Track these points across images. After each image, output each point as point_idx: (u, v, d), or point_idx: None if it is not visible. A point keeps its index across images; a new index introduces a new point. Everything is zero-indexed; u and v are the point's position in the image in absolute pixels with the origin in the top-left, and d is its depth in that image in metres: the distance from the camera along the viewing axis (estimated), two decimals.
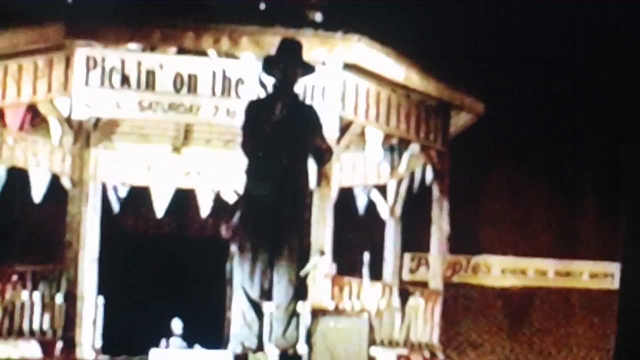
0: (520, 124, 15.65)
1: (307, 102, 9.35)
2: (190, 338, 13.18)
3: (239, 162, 8.28)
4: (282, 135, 7.71)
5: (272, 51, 8.23)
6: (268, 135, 7.70)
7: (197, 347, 12.21)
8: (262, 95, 8.11)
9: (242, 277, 7.87)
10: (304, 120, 7.87)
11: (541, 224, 16.01)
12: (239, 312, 7.89)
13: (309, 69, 8.08)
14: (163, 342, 12.99)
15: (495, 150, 15.63)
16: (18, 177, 12.21)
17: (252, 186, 7.87)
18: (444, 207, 11.72)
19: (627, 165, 11.82)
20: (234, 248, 8.01)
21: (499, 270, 16.05)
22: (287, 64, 7.85)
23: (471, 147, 14.05)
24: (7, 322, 10.24)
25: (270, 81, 7.94)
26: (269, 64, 7.95)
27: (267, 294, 7.95)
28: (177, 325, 13.36)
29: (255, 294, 7.84)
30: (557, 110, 15.77)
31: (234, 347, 7.87)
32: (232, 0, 10.93)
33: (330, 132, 10.36)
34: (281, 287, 7.87)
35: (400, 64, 10.92)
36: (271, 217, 7.77)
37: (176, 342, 13.17)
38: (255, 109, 7.95)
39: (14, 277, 10.33)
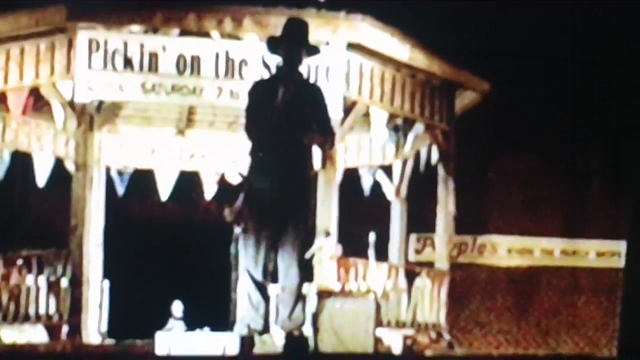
0: (527, 104, 15.58)
1: (311, 81, 9.29)
2: (195, 321, 13.16)
3: (243, 144, 8.24)
4: (286, 116, 7.65)
5: (276, 32, 8.16)
6: (272, 116, 7.64)
7: (206, 329, 12.20)
8: (266, 76, 8.05)
9: (246, 260, 7.84)
10: (309, 100, 7.80)
11: (547, 203, 15.97)
12: (244, 295, 7.87)
13: (314, 49, 8.01)
14: (170, 322, 12.99)
15: (501, 129, 15.57)
16: (21, 161, 12.19)
17: (255, 168, 7.82)
18: (449, 187, 11.69)
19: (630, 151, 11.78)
20: (237, 230, 7.98)
21: (505, 250, 16.02)
22: (292, 44, 7.77)
23: (477, 126, 13.99)
24: (12, 307, 10.24)
25: (274, 62, 7.87)
26: (274, 44, 7.88)
27: (272, 276, 7.93)
28: (177, 307, 13.35)
29: (259, 276, 7.82)
30: (565, 90, 15.70)
31: (240, 329, 7.85)
32: None
33: (334, 112, 10.34)
34: (286, 268, 7.85)
35: (404, 44, 10.86)
36: (275, 199, 7.73)
37: (177, 324, 13.17)
38: (259, 90, 7.89)
39: (19, 262, 10.34)
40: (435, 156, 11.76)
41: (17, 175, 12.37)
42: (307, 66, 10.03)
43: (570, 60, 15.24)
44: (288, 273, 7.82)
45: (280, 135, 7.63)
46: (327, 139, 7.85)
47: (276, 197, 7.70)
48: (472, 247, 15.91)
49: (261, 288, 7.82)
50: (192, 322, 13.21)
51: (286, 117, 7.62)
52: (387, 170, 12.53)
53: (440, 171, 11.74)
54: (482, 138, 15.04)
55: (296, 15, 9.09)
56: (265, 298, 7.86)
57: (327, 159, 10.33)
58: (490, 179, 15.83)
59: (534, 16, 14.09)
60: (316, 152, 7.94)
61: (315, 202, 10.00)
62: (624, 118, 14.24)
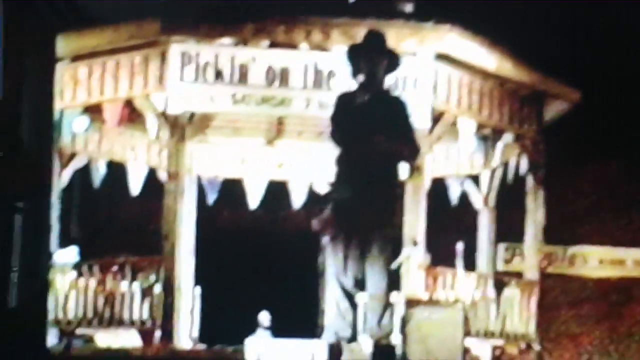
0: (618, 113, 15.36)
1: (395, 93, 9.33)
2: (283, 328, 13.29)
3: (331, 153, 8.33)
4: (370, 126, 7.72)
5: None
6: (356, 126, 7.72)
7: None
8: (353, 87, 8.14)
9: (335, 268, 7.93)
10: (392, 110, 7.86)
11: (638, 213, 15.69)
12: (332, 303, 7.95)
13: (395, 59, 8.04)
14: (258, 331, 13.13)
15: (592, 139, 15.37)
16: (117, 171, 12.49)
17: (341, 177, 7.90)
18: (538, 197, 11.59)
19: None
20: (325, 240, 8.07)
21: (596, 261, 15.80)
22: (371, 55, 7.84)
23: (568, 136, 13.85)
24: (108, 312, 10.49)
25: (357, 74, 7.94)
26: (353, 55, 7.96)
27: (360, 285, 7.98)
28: (264, 317, 13.49)
29: (349, 285, 7.90)
30: None
31: (328, 336, 7.93)
32: None
33: (423, 122, 10.36)
34: (374, 277, 7.91)
35: (492, 53, 10.82)
36: (362, 207, 7.79)
37: (264, 334, 13.30)
38: (343, 100, 7.99)
39: (114, 268, 10.58)
40: (524, 166, 11.68)
41: (112, 183, 12.68)
42: (396, 77, 10.15)
43: None
44: (376, 281, 7.88)
45: (363, 145, 7.70)
46: (405, 147, 7.86)
47: (362, 206, 7.76)
48: (562, 257, 15.73)
49: (349, 296, 7.90)
50: (280, 329, 13.34)
51: (366, 125, 7.69)
52: (476, 179, 12.48)
53: (529, 180, 11.65)
54: (571, 147, 14.87)
55: (383, 27, 9.18)
56: (353, 306, 7.92)
57: (414, 168, 10.35)
58: (581, 188, 15.64)
59: (621, 23, 13.89)
60: (403, 162, 7.98)
61: (403, 211, 10.02)
62: None
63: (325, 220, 7.94)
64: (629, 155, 15.50)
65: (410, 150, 7.96)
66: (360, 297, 7.98)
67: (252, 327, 12.79)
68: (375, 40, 7.97)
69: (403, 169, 8.28)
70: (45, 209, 9.48)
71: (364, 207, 7.76)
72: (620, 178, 15.65)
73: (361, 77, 7.89)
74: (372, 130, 7.73)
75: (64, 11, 9.18)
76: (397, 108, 7.94)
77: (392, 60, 8.02)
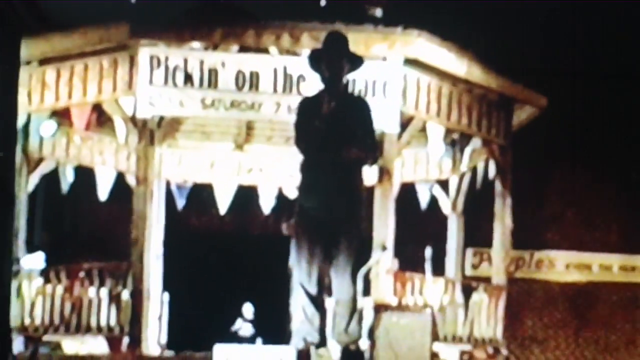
0: (584, 119, 15.48)
1: (358, 95, 9.33)
2: (253, 335, 13.30)
3: (300, 158, 8.31)
4: (333, 129, 7.68)
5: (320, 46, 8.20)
6: (319, 131, 7.67)
7: (258, 341, 12.31)
8: (314, 92, 8.12)
9: (299, 273, 7.89)
10: (353, 113, 7.81)
11: (605, 218, 15.83)
12: (299, 308, 7.93)
13: (356, 61, 7.99)
14: (238, 322, 13.11)
15: (559, 144, 15.49)
16: (84, 175, 12.42)
17: (305, 183, 7.88)
18: (506, 202, 11.65)
19: None
20: (292, 245, 8.04)
21: (563, 266, 15.91)
22: (332, 58, 7.79)
23: (535, 141, 13.94)
24: (75, 318, 10.40)
25: (319, 77, 7.92)
26: (314, 58, 7.92)
27: (327, 290, 7.97)
28: (248, 309, 13.47)
29: (313, 289, 7.86)
30: (623, 105, 15.58)
31: (297, 342, 7.91)
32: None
33: (391, 127, 10.40)
34: (340, 282, 7.88)
35: (461, 59, 10.87)
36: (327, 212, 7.77)
37: (245, 325, 13.30)
38: (306, 106, 7.95)
39: (82, 274, 10.50)
40: (492, 171, 11.74)
41: (80, 188, 12.60)
42: (365, 81, 10.17)
43: (626, 76, 15.13)
44: (343, 287, 7.86)
45: (327, 150, 7.67)
46: (367, 153, 7.82)
47: (326, 212, 7.74)
48: (530, 262, 15.82)
49: (315, 301, 7.87)
50: (255, 325, 13.31)
51: (331, 131, 7.65)
52: (444, 184, 12.53)
53: (497, 186, 11.71)
54: (539, 153, 14.97)
55: (353, 31, 9.19)
56: (321, 311, 7.90)
57: (383, 173, 10.37)
58: (548, 193, 15.74)
59: (589, 33, 14.00)
60: (365, 165, 7.96)
61: (371, 216, 10.03)
62: None
63: (293, 225, 7.92)
64: (594, 161, 15.63)
65: (373, 155, 7.93)
66: (328, 303, 7.98)
67: (221, 332, 12.77)
68: (335, 42, 7.90)
69: (370, 173, 8.27)
70: (9, 214, 9.36)
71: (328, 213, 7.73)
72: (586, 183, 15.77)
73: (323, 81, 7.85)
74: (335, 135, 7.68)
75: (27, 15, 9.07)
76: (360, 111, 7.87)
77: (353, 62, 7.94)
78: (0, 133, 8.86)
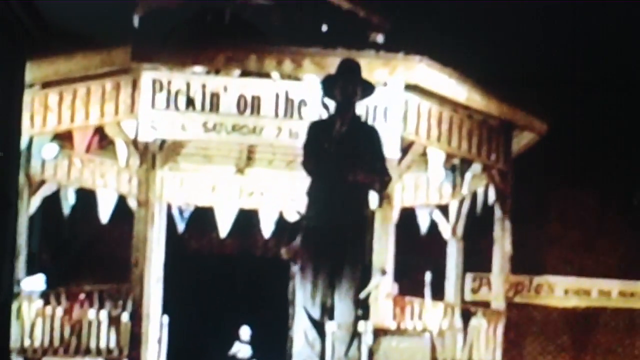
0: (584, 143, 15.54)
1: (369, 122, 9.39)
2: (255, 355, 13.29)
3: (302, 182, 8.37)
4: (342, 153, 7.75)
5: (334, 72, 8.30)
6: (329, 155, 7.74)
7: None
8: (324, 116, 8.18)
9: (303, 297, 7.91)
10: (363, 139, 7.90)
11: (604, 244, 15.85)
12: (300, 332, 7.95)
13: (369, 88, 8.10)
14: (236, 345, 13.10)
15: (558, 170, 15.54)
16: (86, 198, 12.45)
17: (312, 206, 7.92)
18: (506, 227, 11.68)
19: None
20: (295, 269, 8.07)
21: (562, 291, 15.92)
22: (346, 84, 7.89)
23: (534, 166, 13.99)
24: (74, 341, 10.41)
25: (331, 102, 8.01)
26: (328, 85, 8.01)
27: (329, 314, 7.99)
28: (245, 332, 13.47)
29: (316, 314, 7.89)
30: (622, 130, 15.64)
31: None
32: (295, 23, 11.03)
33: (392, 152, 10.44)
34: (343, 306, 7.91)
35: (461, 84, 10.93)
36: (332, 237, 7.81)
37: (243, 347, 13.30)
38: (316, 129, 8.01)
39: (82, 296, 10.51)
40: (492, 196, 11.78)
41: (81, 211, 12.63)
42: (366, 106, 10.22)
43: (628, 100, 15.20)
44: (344, 311, 7.88)
45: (335, 173, 7.72)
46: (375, 178, 7.88)
47: (332, 236, 7.78)
48: (529, 287, 15.83)
49: (317, 325, 7.89)
50: (253, 346, 13.29)
51: (340, 155, 7.72)
52: (444, 209, 12.57)
53: (497, 211, 11.75)
54: (538, 178, 15.02)
55: (355, 57, 9.26)
56: (322, 335, 7.92)
57: (384, 197, 10.39)
58: (547, 219, 15.77)
59: (593, 56, 14.09)
60: (372, 191, 8.01)
61: (371, 240, 10.07)
62: None
63: (295, 249, 7.95)
64: (594, 187, 15.67)
65: (382, 180, 7.99)
66: (329, 327, 7.99)
67: (220, 354, 12.79)
68: (349, 69, 8.02)
69: (373, 199, 8.32)
70: (10, 235, 9.39)
71: (334, 237, 7.77)
72: (585, 209, 15.80)
73: (335, 106, 7.93)
74: (345, 160, 7.75)
75: (30, 24, 9.10)
76: (370, 137, 7.97)
77: (365, 89, 8.06)
78: (1, 134, 8.89)
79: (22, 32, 9.04)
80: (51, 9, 9.51)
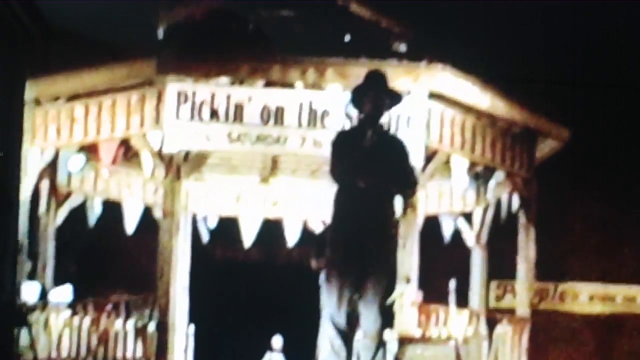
0: (608, 149, 15.50)
1: (393, 132, 9.42)
2: None
3: (326, 191, 8.41)
4: (369, 164, 7.80)
5: (357, 82, 8.34)
6: (356, 164, 7.79)
7: None
8: (348, 126, 8.23)
9: (329, 306, 7.95)
10: (391, 149, 7.95)
11: (629, 249, 15.79)
12: (326, 341, 7.98)
13: (397, 98, 8.15)
14: (267, 355, 13.16)
15: (583, 176, 15.49)
16: (112, 209, 12.55)
17: (338, 215, 7.96)
18: (530, 234, 11.68)
19: None
20: (321, 278, 8.10)
21: (587, 297, 15.86)
22: (375, 94, 7.95)
23: (559, 173, 13.96)
24: (101, 351, 10.49)
25: (356, 113, 8.05)
26: (358, 95, 8.06)
27: (354, 323, 8.02)
28: (277, 341, 13.51)
29: (342, 322, 7.91)
30: None
31: None
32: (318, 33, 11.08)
33: (416, 160, 10.47)
34: (368, 315, 7.93)
35: (485, 92, 10.96)
36: (358, 245, 7.85)
37: (275, 357, 13.34)
38: (345, 137, 8.06)
39: (109, 307, 10.60)
40: (516, 203, 11.78)
41: (107, 222, 12.72)
42: (389, 115, 10.25)
43: None
44: (370, 320, 7.91)
45: (364, 182, 7.77)
46: (404, 188, 7.94)
47: (358, 245, 7.82)
48: (554, 293, 15.79)
49: (343, 334, 7.92)
50: (286, 355, 13.33)
51: (369, 164, 7.77)
52: (468, 217, 12.58)
53: (521, 218, 11.75)
54: (563, 184, 14.99)
55: (378, 66, 9.30)
56: (347, 344, 7.95)
57: (408, 205, 10.42)
58: (571, 225, 15.72)
59: (617, 66, 14.05)
60: (398, 199, 8.05)
61: (396, 248, 10.08)
62: None
63: (324, 258, 7.99)
64: (618, 192, 15.62)
65: (410, 190, 8.04)
66: (354, 336, 8.02)
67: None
68: (377, 79, 8.08)
69: (398, 207, 8.35)
70: (11, 236, 9.38)
71: (361, 246, 7.81)
72: (610, 215, 15.75)
73: (363, 116, 8.00)
74: (373, 168, 7.80)
75: (31, 25, 9.13)
76: (398, 147, 8.02)
77: (393, 98, 8.13)
78: (4, 170, 8.95)
79: (22, 33, 9.09)
80: (52, 9, 9.54)
